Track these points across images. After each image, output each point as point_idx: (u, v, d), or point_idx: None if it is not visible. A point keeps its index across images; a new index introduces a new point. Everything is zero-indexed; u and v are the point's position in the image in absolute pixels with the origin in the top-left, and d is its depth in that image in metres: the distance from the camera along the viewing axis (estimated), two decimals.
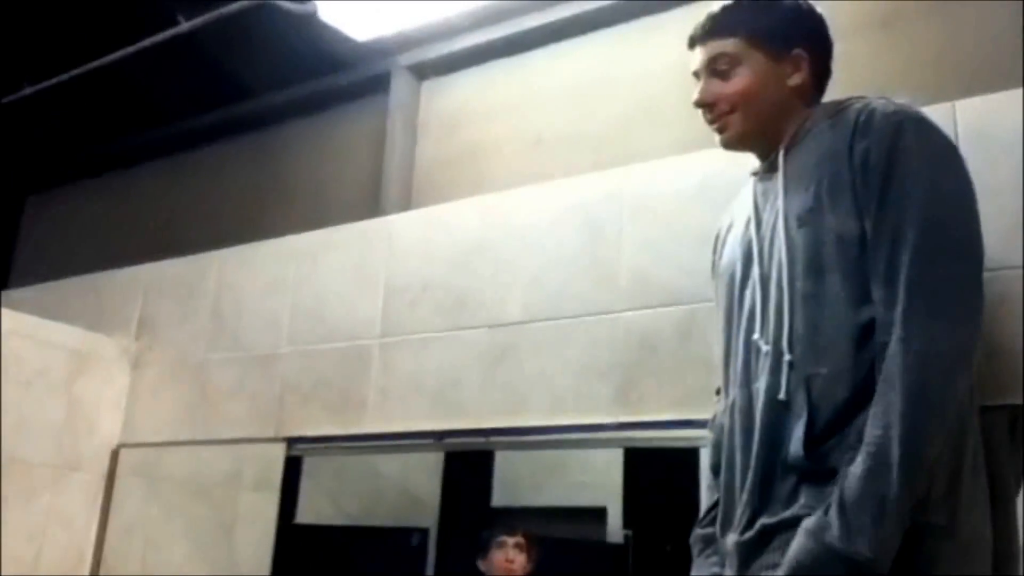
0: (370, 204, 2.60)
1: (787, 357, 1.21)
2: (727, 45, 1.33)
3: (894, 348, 1.10)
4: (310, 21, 2.59)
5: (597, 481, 1.98)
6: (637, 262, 1.84)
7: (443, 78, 2.77)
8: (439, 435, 2.02)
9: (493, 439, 1.98)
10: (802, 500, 1.14)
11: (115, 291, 2.70)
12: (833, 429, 1.15)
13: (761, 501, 1.19)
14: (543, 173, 2.30)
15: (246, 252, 2.47)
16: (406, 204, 2.57)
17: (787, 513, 1.15)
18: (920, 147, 1.18)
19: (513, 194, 2.12)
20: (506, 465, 2.05)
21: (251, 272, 2.43)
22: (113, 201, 3.05)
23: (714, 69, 1.34)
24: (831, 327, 1.19)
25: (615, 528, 1.90)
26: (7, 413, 2.29)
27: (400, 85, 2.79)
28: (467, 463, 2.05)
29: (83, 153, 3.21)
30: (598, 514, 1.99)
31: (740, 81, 1.32)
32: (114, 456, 2.50)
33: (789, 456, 1.17)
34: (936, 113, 1.33)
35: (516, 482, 2.09)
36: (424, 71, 2.80)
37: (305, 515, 2.23)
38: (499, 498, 2.05)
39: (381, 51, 2.75)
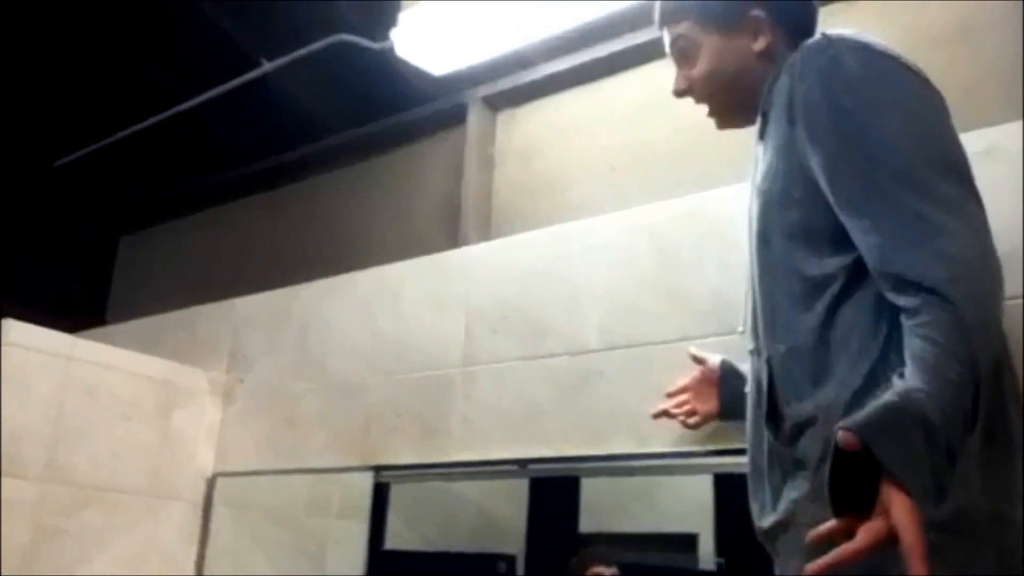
0: (449, 234, 2.64)
1: (750, 345, 1.19)
2: (680, 29, 1.32)
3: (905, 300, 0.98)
4: (387, 58, 2.66)
5: (687, 507, 1.95)
6: (716, 286, 1.84)
7: (517, 109, 2.81)
8: (523, 462, 2.04)
9: (578, 466, 1.98)
10: (786, 496, 1.10)
11: (207, 324, 2.80)
12: (798, 411, 1.09)
13: (761, 493, 1.16)
14: (618, 199, 2.30)
15: (331, 284, 2.53)
16: (485, 234, 2.61)
17: (777, 516, 1.12)
18: (862, 71, 1.09)
19: (589, 221, 2.14)
20: (593, 491, 2.05)
21: (337, 304, 2.49)
22: (202, 239, 3.16)
23: (679, 56, 1.33)
24: (782, 299, 1.14)
25: (707, 555, 1.87)
26: (106, 445, 2.38)
27: (476, 117, 2.83)
28: (552, 489, 2.05)
29: (172, 193, 3.34)
30: (689, 541, 1.96)
31: (702, 65, 1.29)
32: (209, 485, 2.58)
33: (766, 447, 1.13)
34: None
35: (603, 508, 2.08)
36: (498, 102, 2.84)
37: (392, 542, 2.26)
38: (586, 524, 2.03)
39: (456, 84, 2.80)
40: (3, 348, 2.20)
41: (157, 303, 3.00)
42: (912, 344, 0.95)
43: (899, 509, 0.85)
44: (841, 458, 0.89)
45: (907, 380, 0.93)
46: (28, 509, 2.20)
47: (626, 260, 1.99)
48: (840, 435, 0.88)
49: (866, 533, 0.87)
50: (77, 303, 3.20)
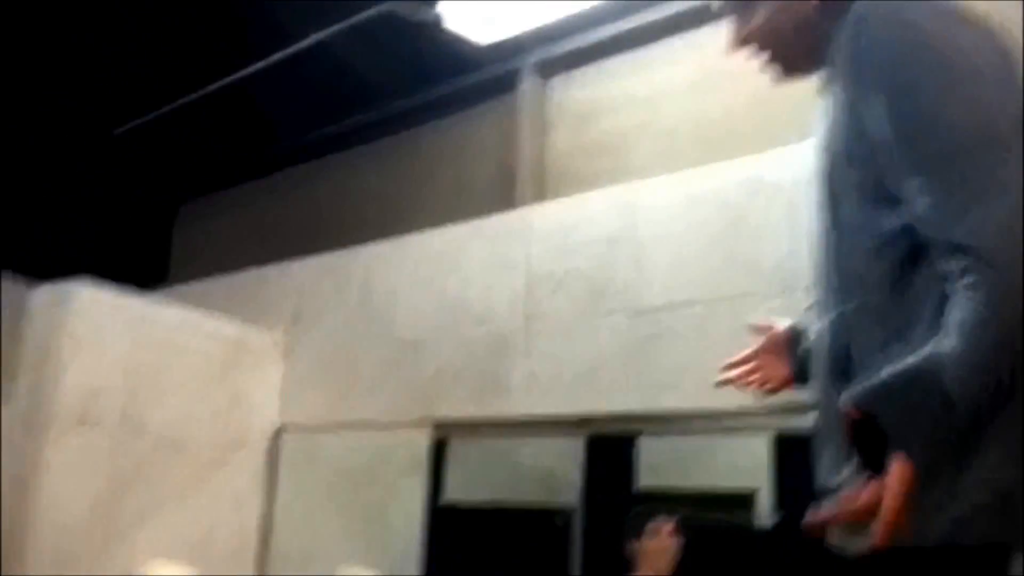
0: (505, 198, 2.68)
1: (818, 304, 1.17)
2: None
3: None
4: (436, 28, 2.69)
5: (745, 465, 1.95)
6: (778, 246, 1.86)
7: (569, 74, 2.83)
8: (582, 419, 2.09)
9: (636, 424, 2.03)
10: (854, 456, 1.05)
11: (270, 286, 2.88)
12: (868, 370, 1.03)
13: (827, 452, 1.14)
14: (675, 161, 2.33)
15: (392, 246, 2.59)
16: (540, 196, 2.65)
17: (844, 475, 1.05)
18: (926, 26, 1.07)
19: (651, 182, 2.16)
20: (651, 447, 2.07)
21: (397, 265, 2.55)
22: (263, 204, 3.23)
23: (736, 9, 1.29)
24: (852, 256, 1.12)
25: (765, 513, 1.89)
26: (176, 400, 2.46)
27: (527, 83, 2.86)
28: (611, 445, 2.08)
29: (230, 162, 3.40)
30: (747, 499, 1.96)
31: (759, 18, 1.25)
32: (275, 439, 2.67)
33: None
34: None
35: (661, 465, 2.08)
36: (550, 68, 2.86)
37: (450, 496, 2.33)
38: (644, 480, 2.05)
39: (507, 51, 2.82)
40: (78, 307, 2.29)
41: (217, 269, 3.08)
42: (953, 306, 0.95)
43: (892, 474, 0.87)
44: (862, 423, 0.91)
45: (938, 342, 0.94)
46: (104, 459, 2.29)
47: (688, 220, 2.02)
48: (842, 403, 0.90)
49: (866, 492, 0.89)
50: (139, 271, 3.28)
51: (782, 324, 1.56)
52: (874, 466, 0.91)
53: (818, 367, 1.21)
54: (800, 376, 1.51)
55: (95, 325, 2.33)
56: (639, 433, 2.06)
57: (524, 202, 2.57)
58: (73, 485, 2.22)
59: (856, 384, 1.02)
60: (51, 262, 2.81)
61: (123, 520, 2.31)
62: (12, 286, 2.99)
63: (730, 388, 1.63)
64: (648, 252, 2.06)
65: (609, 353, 2.07)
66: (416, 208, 2.86)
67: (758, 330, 1.56)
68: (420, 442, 2.35)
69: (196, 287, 3.10)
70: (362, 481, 2.55)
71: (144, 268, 3.31)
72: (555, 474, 2.21)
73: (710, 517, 2.04)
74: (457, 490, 2.34)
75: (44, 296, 2.38)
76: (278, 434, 2.68)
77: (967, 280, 0.95)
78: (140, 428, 2.38)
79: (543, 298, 2.20)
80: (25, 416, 2.29)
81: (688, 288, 1.98)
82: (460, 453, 2.34)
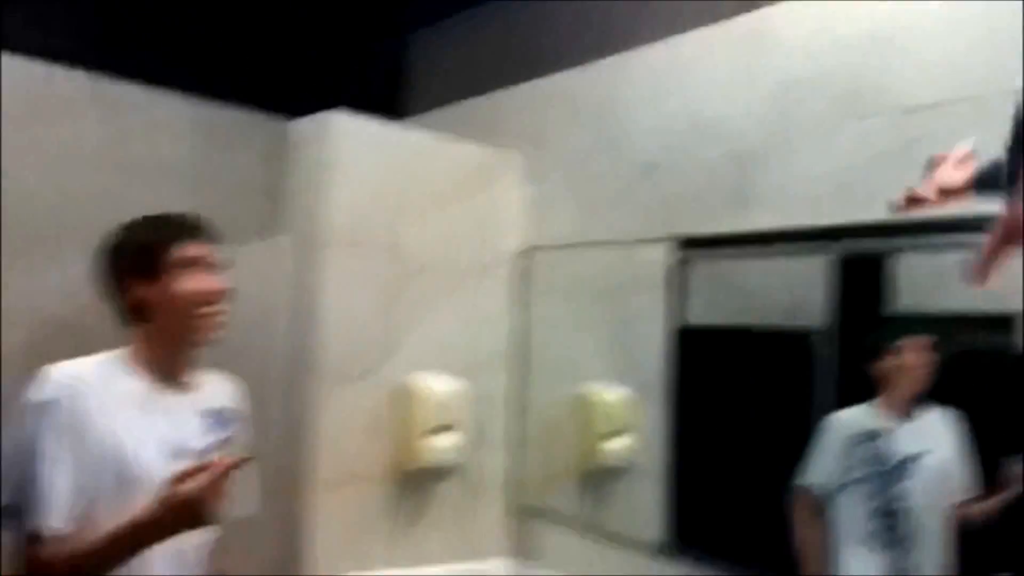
0: None
1: None
2: None
3: None
4: None
5: (1006, 286, 1.82)
6: None
7: None
8: (833, 233, 2.00)
9: (893, 239, 1.91)
10: None
11: (508, 109, 2.92)
12: None
13: None
14: None
15: (630, 59, 2.53)
16: None
17: None
18: None
19: None
20: (906, 265, 1.97)
21: (637, 79, 2.50)
22: (494, 28, 3.21)
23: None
24: None
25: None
26: (429, 225, 2.61)
27: None
28: (863, 263, 1.99)
29: None
30: (1004, 322, 1.85)
31: None
32: (521, 259, 2.79)
33: None
34: None
35: (916, 284, 1.98)
36: None
37: (692, 316, 2.34)
38: (897, 300, 1.97)
39: None
40: (333, 138, 2.44)
41: (452, 97, 3.15)
42: None
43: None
44: None
45: None
46: (376, 282, 2.50)
47: (949, 15, 1.83)
48: None
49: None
50: (376, 105, 3.41)
51: None
52: None
53: None
54: None
55: (353, 153, 2.48)
56: (893, 249, 1.95)
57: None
58: (348, 302, 2.45)
59: None
60: (290, 100, 2.96)
61: (391, 335, 2.53)
62: (269, 121, 3.21)
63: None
64: (907, 50, 1.89)
65: (865, 160, 1.96)
66: (652, 14, 2.74)
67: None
68: (662, 261, 2.36)
69: (435, 116, 3.20)
70: (607, 300, 2.63)
71: (381, 102, 3.43)
72: (801, 294, 2.16)
73: (966, 338, 1.95)
74: (699, 310, 2.35)
75: (305, 128, 2.55)
76: (528, 253, 2.79)
77: None
78: (398, 250, 2.55)
79: (791, 105, 2.10)
80: (299, 241, 2.52)
81: (954, 86, 1.81)
82: (703, 273, 2.34)
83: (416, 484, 2.55)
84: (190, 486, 1.42)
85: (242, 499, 1.85)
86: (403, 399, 2.52)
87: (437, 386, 2.51)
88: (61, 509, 1.45)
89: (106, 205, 2.89)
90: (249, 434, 1.87)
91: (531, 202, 2.81)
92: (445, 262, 2.65)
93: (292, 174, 2.59)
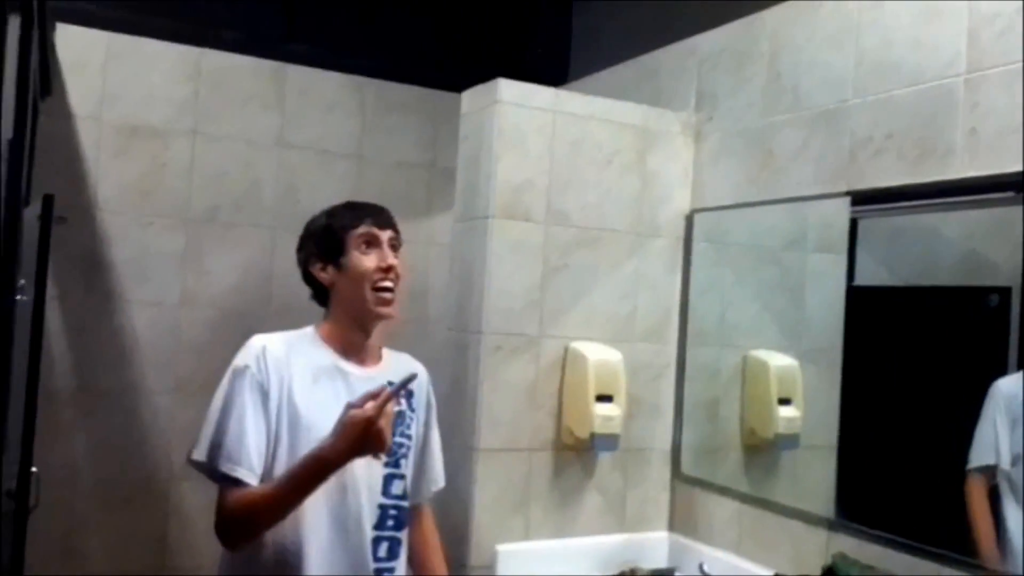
0: None
1: None
2: None
3: None
4: None
5: None
6: None
7: None
8: None
9: None
10: None
11: (671, 67, 2.81)
12: None
13: None
14: None
15: (801, 6, 2.36)
16: None
17: None
18: None
19: None
20: None
21: (807, 26, 2.33)
22: None
23: None
24: None
25: None
26: (593, 190, 2.57)
27: None
28: None
29: None
30: None
31: None
32: (688, 222, 2.69)
33: None
34: None
35: None
36: None
37: (869, 275, 2.18)
38: None
39: None
40: (500, 107, 2.43)
41: (617, 57, 3.08)
42: None
43: None
44: None
45: None
46: (537, 250, 2.49)
47: None
48: None
49: None
50: (540, 66, 3.39)
51: None
52: None
53: None
54: None
55: (519, 122, 2.47)
56: None
57: None
58: (512, 273, 2.45)
59: None
60: (457, 72, 2.99)
61: (554, 305, 2.51)
62: (438, 95, 3.27)
63: None
64: None
65: None
66: None
67: None
68: (839, 217, 2.20)
69: (599, 79, 3.14)
70: (778, 261, 2.50)
71: (545, 67, 3.41)
72: (986, 251, 1.97)
73: None
74: (875, 269, 2.20)
75: (473, 98, 2.57)
76: (691, 217, 2.69)
77: None
78: (563, 219, 2.53)
79: (992, 39, 1.88)
80: (466, 213, 2.56)
81: None
82: (879, 229, 2.17)
83: (577, 454, 2.53)
84: (365, 409, 1.54)
85: (429, 477, 1.94)
86: (566, 369, 2.50)
87: (600, 355, 2.48)
88: (251, 461, 1.59)
89: (285, 187, 3.09)
90: (432, 414, 1.95)
91: (695, 163, 2.70)
92: (608, 229, 2.60)
93: (460, 147, 2.62)
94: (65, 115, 2.78)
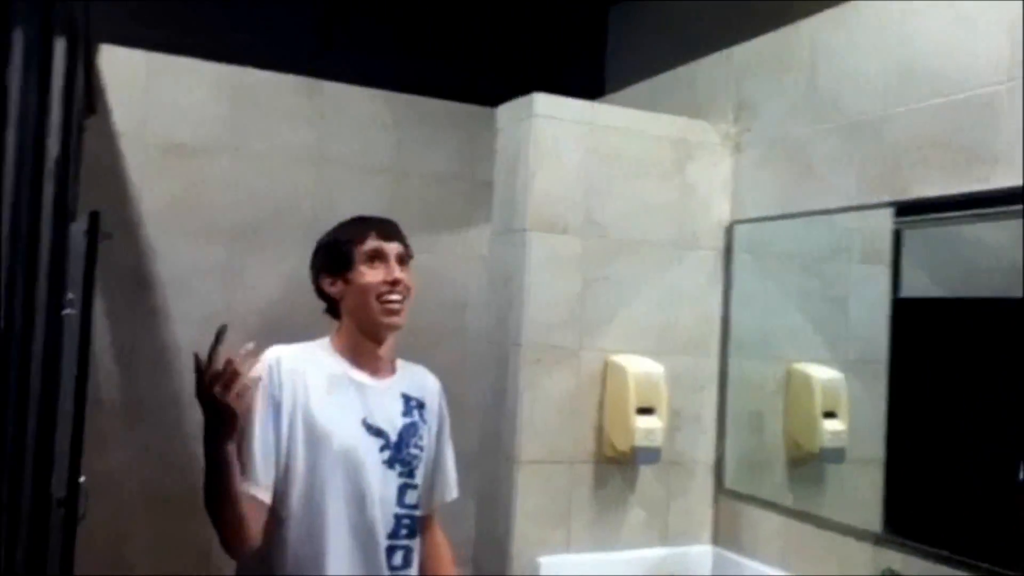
0: None
1: None
2: None
3: None
4: None
5: None
6: None
7: None
8: None
9: None
10: None
11: (709, 77, 2.80)
12: None
13: None
14: None
15: (840, 14, 2.34)
16: None
17: None
18: None
19: None
20: None
21: (848, 34, 2.31)
22: None
23: None
24: None
25: None
26: (630, 202, 2.56)
27: None
28: None
29: None
30: None
31: None
32: (728, 233, 2.67)
33: None
34: None
35: None
36: None
37: (910, 290, 2.15)
38: None
39: None
40: (539, 119, 2.44)
41: (653, 68, 3.07)
42: None
43: None
44: None
45: None
46: (576, 262, 2.48)
47: None
48: None
49: None
50: (575, 79, 3.40)
51: None
52: None
53: None
54: None
55: (555, 135, 2.47)
56: None
57: None
58: (550, 285, 2.45)
59: None
60: (492, 87, 3.00)
61: (593, 317, 2.51)
62: (474, 109, 3.28)
63: None
64: None
65: None
66: None
67: None
68: (882, 228, 2.17)
69: (635, 90, 3.13)
70: (820, 273, 2.48)
71: (582, 80, 3.42)
72: None
73: None
74: (918, 281, 2.16)
75: (509, 112, 2.58)
76: (731, 228, 2.67)
77: None
78: (602, 231, 2.52)
79: None
80: (503, 225, 2.56)
81: None
82: (923, 239, 2.14)
83: (618, 467, 2.52)
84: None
85: (441, 487, 1.95)
86: (606, 381, 2.49)
87: (640, 367, 2.46)
88: (259, 474, 1.60)
89: (323, 201, 3.12)
90: (445, 425, 1.96)
91: (735, 174, 2.68)
92: (646, 241, 2.59)
93: (496, 160, 2.63)
94: (109, 133, 2.83)
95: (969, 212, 1.99)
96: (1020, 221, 1.86)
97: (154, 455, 2.79)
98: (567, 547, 2.45)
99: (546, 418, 2.44)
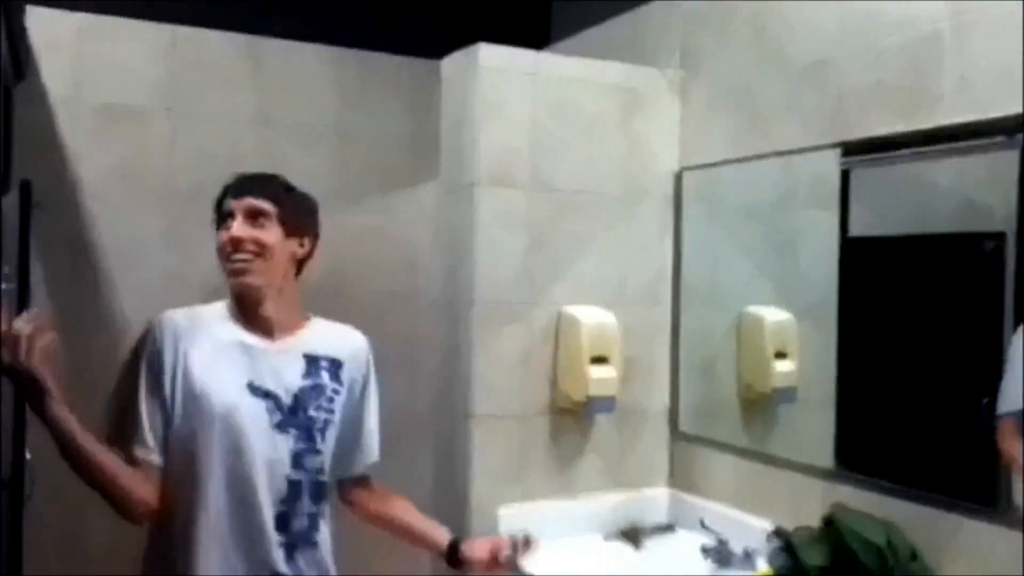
0: None
1: None
2: None
3: None
4: None
5: None
6: None
7: None
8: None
9: None
10: None
11: (654, 23, 2.78)
12: None
13: None
14: None
15: None
16: None
17: None
18: None
19: None
20: None
21: None
22: None
23: None
24: None
25: None
26: (577, 155, 2.54)
27: None
28: None
29: None
30: None
31: None
32: (677, 180, 2.68)
33: None
34: None
35: None
36: None
37: (860, 226, 2.17)
38: None
39: None
40: (484, 70, 2.40)
41: (599, 15, 3.04)
42: None
43: None
44: None
45: None
46: (525, 217, 2.47)
47: None
48: None
49: None
50: (521, 28, 3.35)
51: None
52: None
53: None
54: None
55: (501, 87, 2.44)
56: None
57: None
58: (500, 241, 2.43)
59: None
60: (434, 39, 2.94)
61: (544, 271, 2.50)
62: (418, 62, 3.22)
63: None
64: None
65: None
66: None
67: None
68: (829, 169, 2.19)
69: (581, 39, 3.10)
70: (767, 217, 2.49)
71: (525, 30, 3.37)
72: (976, 197, 1.96)
73: None
74: (868, 220, 2.18)
75: (454, 64, 2.53)
76: (679, 175, 2.67)
77: None
78: (549, 185, 2.50)
79: None
80: (451, 182, 2.53)
81: None
82: (871, 179, 2.16)
83: (573, 417, 2.54)
84: None
85: (361, 451, 1.89)
86: (559, 333, 2.50)
87: (593, 317, 2.47)
88: (146, 438, 1.58)
89: (267, 164, 3.04)
90: (369, 387, 1.88)
91: (684, 121, 2.68)
92: (596, 192, 2.58)
93: (442, 114, 2.59)
94: (41, 99, 2.73)
95: (915, 150, 2.00)
96: (966, 157, 1.88)
97: (100, 429, 2.74)
98: (525, 497, 2.47)
99: (500, 373, 2.44)
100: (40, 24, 2.69)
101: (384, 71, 3.25)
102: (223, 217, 1.73)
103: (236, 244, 1.69)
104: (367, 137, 3.21)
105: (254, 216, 1.72)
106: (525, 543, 1.85)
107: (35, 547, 2.20)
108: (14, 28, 2.38)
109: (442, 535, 1.90)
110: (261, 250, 1.70)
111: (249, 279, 1.70)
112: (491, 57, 2.42)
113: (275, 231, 1.73)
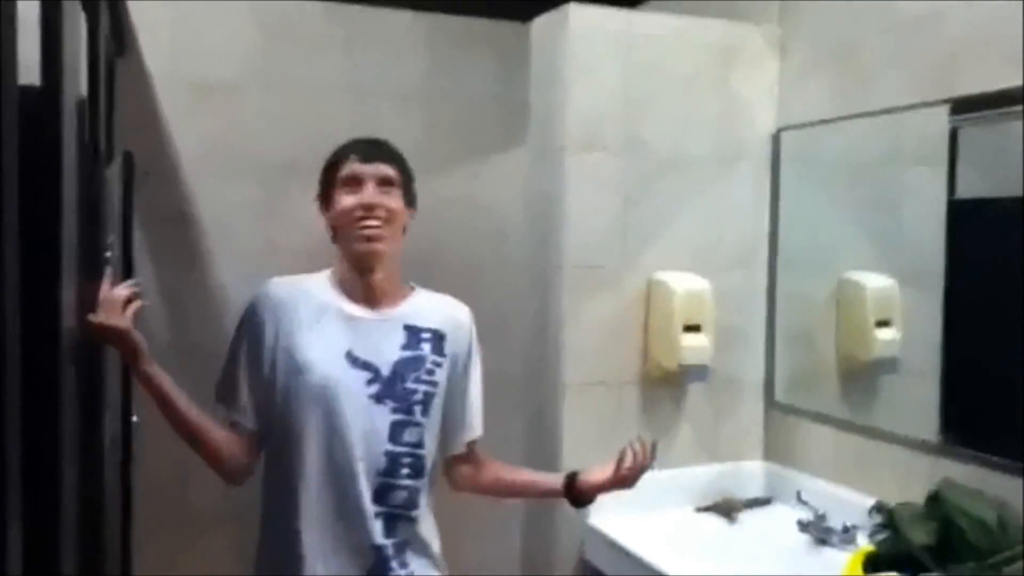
0: None
1: None
2: None
3: None
4: None
5: None
6: None
7: None
8: None
9: None
10: None
11: None
12: None
13: None
14: None
15: None
16: None
17: None
18: None
19: None
20: None
21: None
22: None
23: None
24: None
25: None
26: (672, 116, 2.47)
27: None
28: None
29: None
30: None
31: None
32: (774, 142, 2.58)
33: None
34: None
35: None
36: None
37: (970, 187, 2.06)
38: None
39: None
40: (575, 31, 2.35)
41: None
42: None
43: None
44: None
45: None
46: (616, 181, 2.42)
47: None
48: None
49: None
50: None
51: None
52: None
53: None
54: None
55: (592, 49, 2.38)
56: None
57: None
58: (590, 206, 2.40)
59: None
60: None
61: (636, 235, 2.45)
62: (507, 25, 3.17)
63: None
64: None
65: None
66: None
67: None
68: (936, 127, 2.07)
69: None
70: (869, 179, 2.38)
71: None
72: None
73: None
74: (977, 181, 2.06)
75: (543, 26, 2.49)
76: (777, 136, 2.58)
77: None
78: (641, 148, 2.45)
79: None
80: (541, 147, 2.50)
81: None
82: (981, 138, 2.03)
83: (666, 386, 2.49)
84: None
85: (464, 426, 1.88)
86: (651, 300, 2.45)
87: (686, 284, 2.42)
88: (242, 403, 1.62)
89: (360, 131, 3.06)
90: (473, 360, 1.85)
91: (782, 79, 2.57)
92: (690, 155, 2.51)
93: (531, 78, 2.55)
94: (140, 74, 2.80)
95: None
96: None
97: (202, 395, 2.83)
98: None
99: (590, 341, 2.41)
100: (138, 0, 2.75)
101: (474, 35, 3.21)
102: (344, 182, 1.72)
103: (369, 210, 1.68)
104: (457, 103, 3.19)
105: (386, 183, 1.72)
106: (643, 445, 1.85)
107: (146, 507, 2.30)
108: (115, 3, 2.44)
109: (555, 477, 1.91)
110: (390, 216, 1.70)
111: (380, 246, 1.69)
112: (581, 17, 2.37)
113: (399, 199, 1.73)
